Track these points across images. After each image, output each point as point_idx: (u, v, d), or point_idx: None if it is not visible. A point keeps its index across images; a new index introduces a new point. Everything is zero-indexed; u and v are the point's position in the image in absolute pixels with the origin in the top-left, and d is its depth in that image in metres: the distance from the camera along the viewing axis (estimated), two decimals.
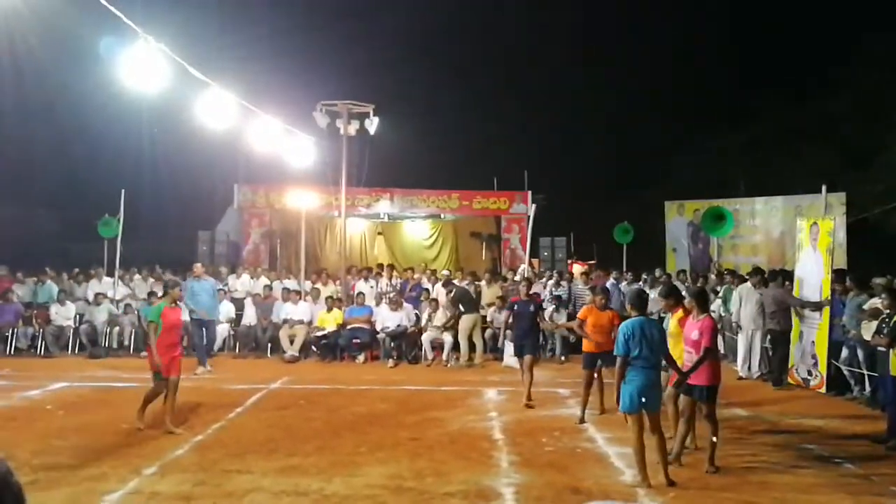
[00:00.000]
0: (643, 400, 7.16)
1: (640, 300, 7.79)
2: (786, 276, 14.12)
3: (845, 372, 11.92)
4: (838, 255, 16.17)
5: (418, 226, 23.88)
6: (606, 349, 9.67)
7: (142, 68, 8.98)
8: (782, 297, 13.22)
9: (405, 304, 16.34)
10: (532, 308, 11.58)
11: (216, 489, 6.90)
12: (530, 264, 18.96)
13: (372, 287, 17.66)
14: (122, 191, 17.29)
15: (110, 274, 17.99)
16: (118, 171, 22.63)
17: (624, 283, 17.29)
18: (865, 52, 26.34)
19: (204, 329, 14.51)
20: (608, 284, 16.30)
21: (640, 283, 17.47)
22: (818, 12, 28.98)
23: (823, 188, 13.96)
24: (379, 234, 23.64)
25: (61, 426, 9.43)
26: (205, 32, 21.89)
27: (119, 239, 17.44)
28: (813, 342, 12.52)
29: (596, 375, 10.37)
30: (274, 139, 14.86)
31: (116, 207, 17.59)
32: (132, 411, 9.39)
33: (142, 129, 20.35)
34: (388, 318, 15.91)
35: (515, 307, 11.69)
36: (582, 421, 9.87)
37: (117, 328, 16.55)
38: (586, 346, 10.43)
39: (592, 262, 23.03)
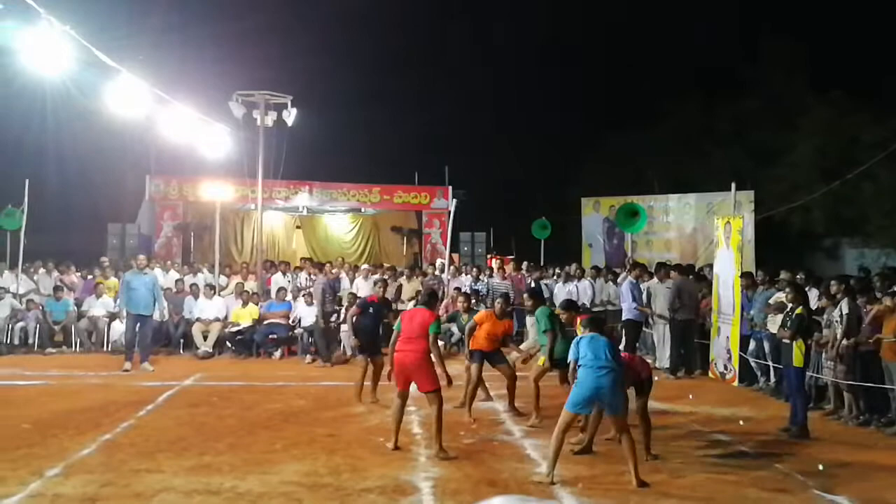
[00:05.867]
0: (597, 402, 7.25)
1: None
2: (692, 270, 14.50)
3: (752, 363, 12.25)
4: (747, 252, 16.64)
5: (338, 220, 23.67)
6: (494, 350, 10.12)
7: (45, 52, 8.57)
8: (687, 288, 13.55)
9: None
10: (384, 311, 11.52)
11: (124, 489, 6.63)
12: (451, 259, 18.93)
13: (289, 282, 17.35)
14: (27, 181, 16.67)
15: (13, 267, 17.27)
16: (23, 160, 21.78)
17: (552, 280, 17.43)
18: (772, 53, 27.18)
19: (139, 325, 13.58)
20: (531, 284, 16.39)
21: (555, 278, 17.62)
22: (728, 14, 29.79)
23: (733, 186, 14.37)
24: (297, 227, 23.36)
25: None
26: (114, 16, 21.11)
27: (23, 231, 16.77)
28: (728, 337, 12.78)
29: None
30: (188, 129, 14.48)
31: (20, 198, 16.91)
32: (35, 410, 9.00)
33: (48, 117, 19.52)
34: (305, 314, 15.65)
35: (370, 308, 11.12)
36: (470, 415, 9.66)
37: (20, 324, 15.89)
38: (474, 343, 10.13)
39: (511, 256, 23.17)
